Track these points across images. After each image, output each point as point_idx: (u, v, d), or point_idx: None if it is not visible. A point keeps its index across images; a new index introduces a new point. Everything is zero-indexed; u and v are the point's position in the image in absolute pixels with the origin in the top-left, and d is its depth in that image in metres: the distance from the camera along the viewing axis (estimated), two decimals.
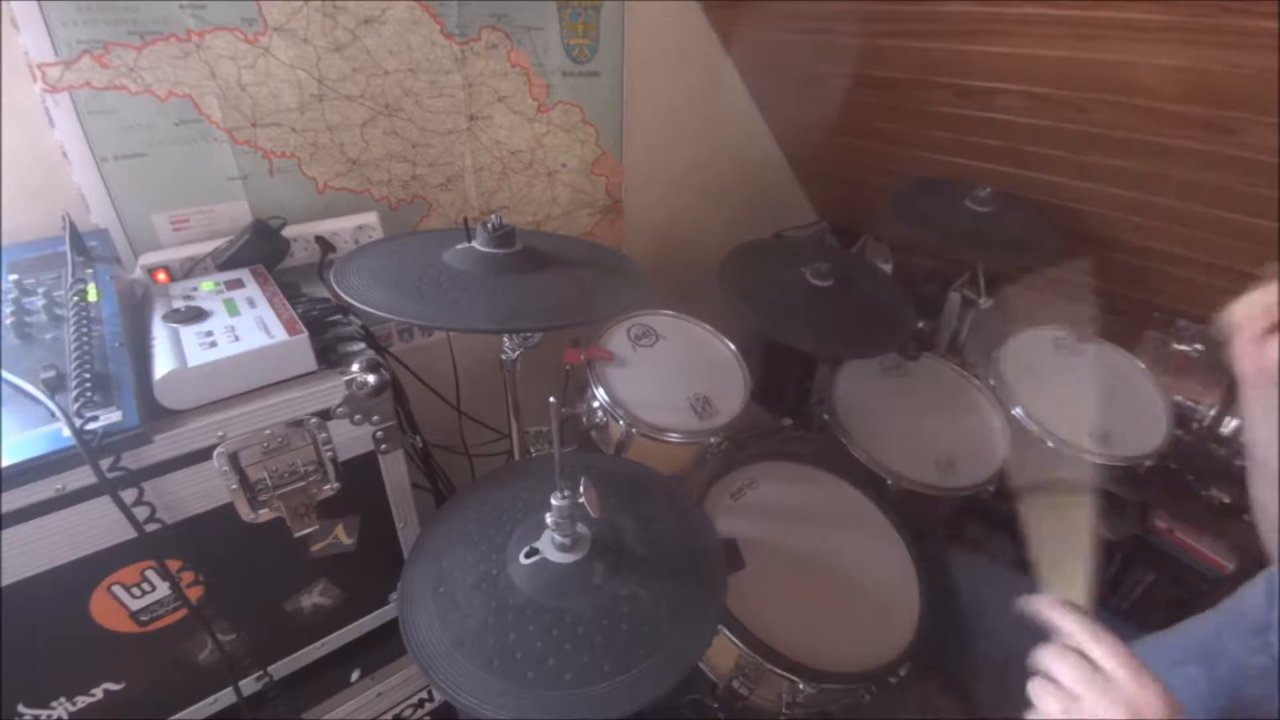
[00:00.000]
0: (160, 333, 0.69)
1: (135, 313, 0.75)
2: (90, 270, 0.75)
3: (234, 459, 0.69)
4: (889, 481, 1.09)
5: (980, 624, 0.97)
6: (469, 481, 1.22)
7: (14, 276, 0.73)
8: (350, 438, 0.78)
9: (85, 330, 0.65)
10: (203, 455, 0.67)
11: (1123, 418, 1.16)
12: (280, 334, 0.71)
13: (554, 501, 0.66)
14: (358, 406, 0.76)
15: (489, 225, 0.81)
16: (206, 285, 0.80)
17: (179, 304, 0.74)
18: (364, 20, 0.99)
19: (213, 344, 0.68)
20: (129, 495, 0.62)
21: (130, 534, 0.63)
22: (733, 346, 1.19)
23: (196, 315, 0.72)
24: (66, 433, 0.55)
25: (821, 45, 1.33)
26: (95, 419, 0.57)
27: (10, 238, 0.84)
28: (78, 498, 0.60)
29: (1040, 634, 0.92)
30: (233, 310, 0.75)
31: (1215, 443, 1.22)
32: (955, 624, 0.98)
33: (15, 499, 0.57)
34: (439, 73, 1.09)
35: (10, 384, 0.59)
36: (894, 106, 1.34)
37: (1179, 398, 1.22)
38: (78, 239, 0.78)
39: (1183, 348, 1.28)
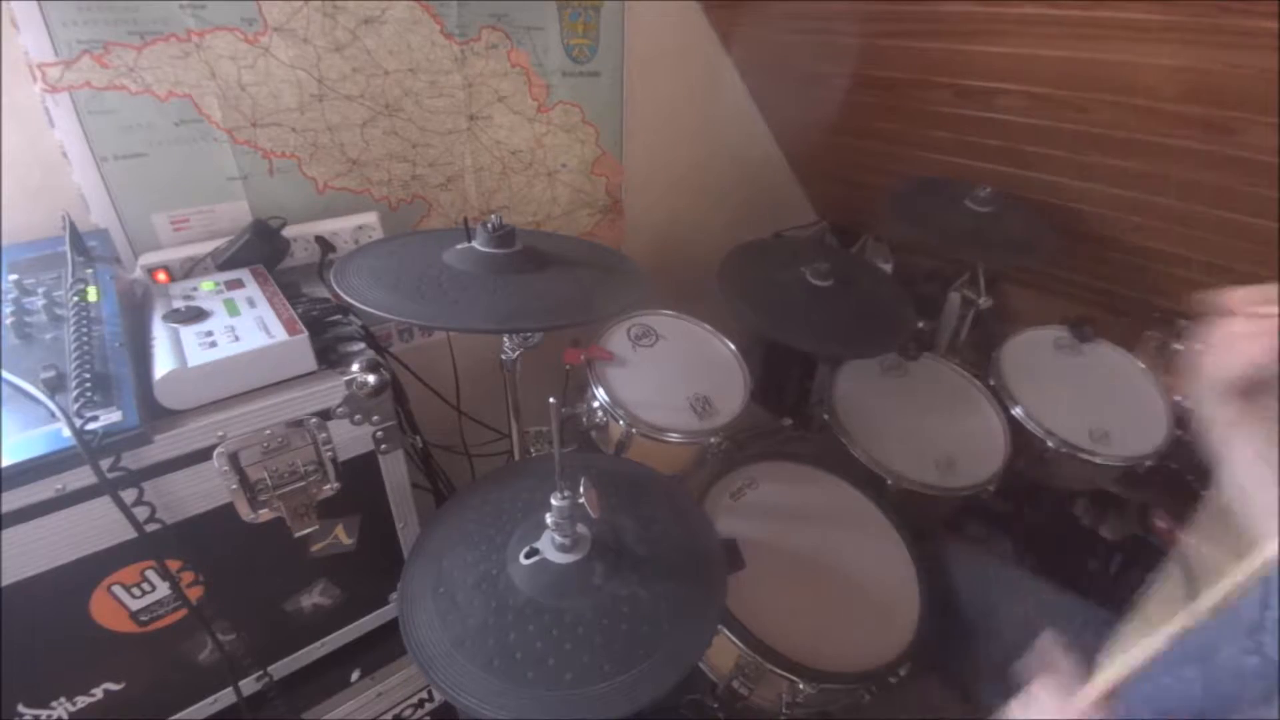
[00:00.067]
0: (160, 333, 0.69)
1: (135, 313, 0.75)
2: (90, 270, 0.75)
3: (234, 459, 0.69)
4: (889, 481, 1.09)
5: (981, 623, 0.97)
6: (469, 481, 1.22)
7: (14, 276, 0.73)
8: (350, 438, 0.78)
9: (85, 330, 0.65)
10: (203, 455, 0.67)
11: (1123, 418, 1.16)
12: (280, 334, 0.71)
13: (554, 502, 0.66)
14: (358, 406, 0.76)
15: (489, 225, 0.81)
16: (206, 285, 0.80)
17: (179, 304, 0.74)
18: (364, 20, 0.99)
19: (213, 344, 0.68)
20: (129, 495, 0.62)
21: (130, 534, 0.63)
22: (733, 346, 1.19)
23: (196, 315, 0.72)
24: (66, 433, 0.55)
25: (821, 45, 1.33)
26: (95, 419, 0.57)
27: (10, 238, 0.84)
28: (78, 498, 0.60)
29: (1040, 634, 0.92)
30: (233, 310, 0.75)
31: None
32: (956, 624, 0.98)
33: (15, 499, 0.57)
34: (439, 73, 1.09)
35: (10, 384, 0.59)
36: (894, 106, 1.34)
37: (1179, 398, 1.22)
38: (78, 239, 0.78)
39: (1183, 348, 1.28)
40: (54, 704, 0.69)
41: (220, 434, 0.67)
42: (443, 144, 1.16)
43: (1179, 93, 0.92)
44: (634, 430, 1.00)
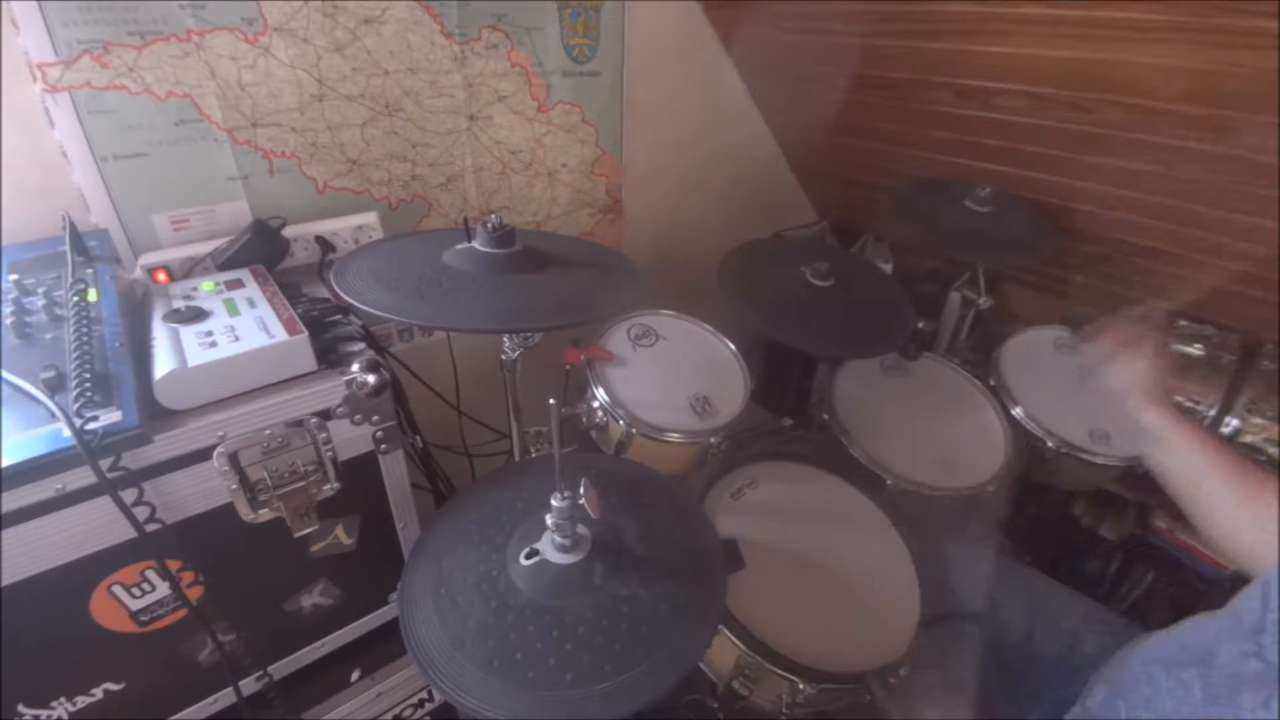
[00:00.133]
0: (160, 333, 0.69)
1: (135, 313, 0.75)
2: (90, 270, 0.75)
3: (234, 459, 0.69)
4: (889, 481, 1.09)
5: (985, 621, 0.97)
6: (469, 481, 1.22)
7: (14, 276, 0.73)
8: (350, 438, 0.78)
9: (85, 330, 0.65)
10: (203, 455, 0.67)
11: (1123, 418, 1.16)
12: (280, 334, 0.71)
13: (554, 502, 0.66)
14: (358, 406, 0.76)
15: (489, 225, 0.81)
16: (206, 285, 0.80)
17: (179, 304, 0.74)
18: (364, 20, 0.99)
19: (213, 344, 0.68)
20: (129, 495, 0.62)
21: (130, 534, 0.63)
22: (733, 346, 1.19)
23: (196, 315, 0.72)
24: (66, 433, 0.55)
25: (821, 45, 1.33)
26: (95, 419, 0.57)
27: (10, 238, 0.84)
28: (78, 498, 0.61)
29: (1043, 635, 0.92)
30: (233, 310, 0.75)
31: None
32: (956, 624, 0.98)
33: (15, 499, 0.57)
34: (439, 73, 1.09)
35: (10, 384, 0.59)
36: (894, 106, 1.34)
37: (1179, 398, 1.22)
38: (78, 239, 0.78)
39: (1183, 348, 1.28)
40: (54, 704, 0.69)
41: (220, 434, 0.67)
42: (443, 144, 1.16)
43: (1179, 93, 0.92)
44: (634, 430, 1.00)
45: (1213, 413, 1.21)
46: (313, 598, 0.84)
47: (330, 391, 0.74)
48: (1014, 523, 1.46)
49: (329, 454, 0.76)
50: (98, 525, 0.63)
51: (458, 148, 1.18)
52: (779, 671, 0.83)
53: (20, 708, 0.67)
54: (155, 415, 0.64)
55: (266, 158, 0.99)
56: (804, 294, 1.18)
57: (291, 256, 0.97)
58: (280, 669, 0.85)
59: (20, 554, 0.60)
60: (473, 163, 1.21)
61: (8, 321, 0.66)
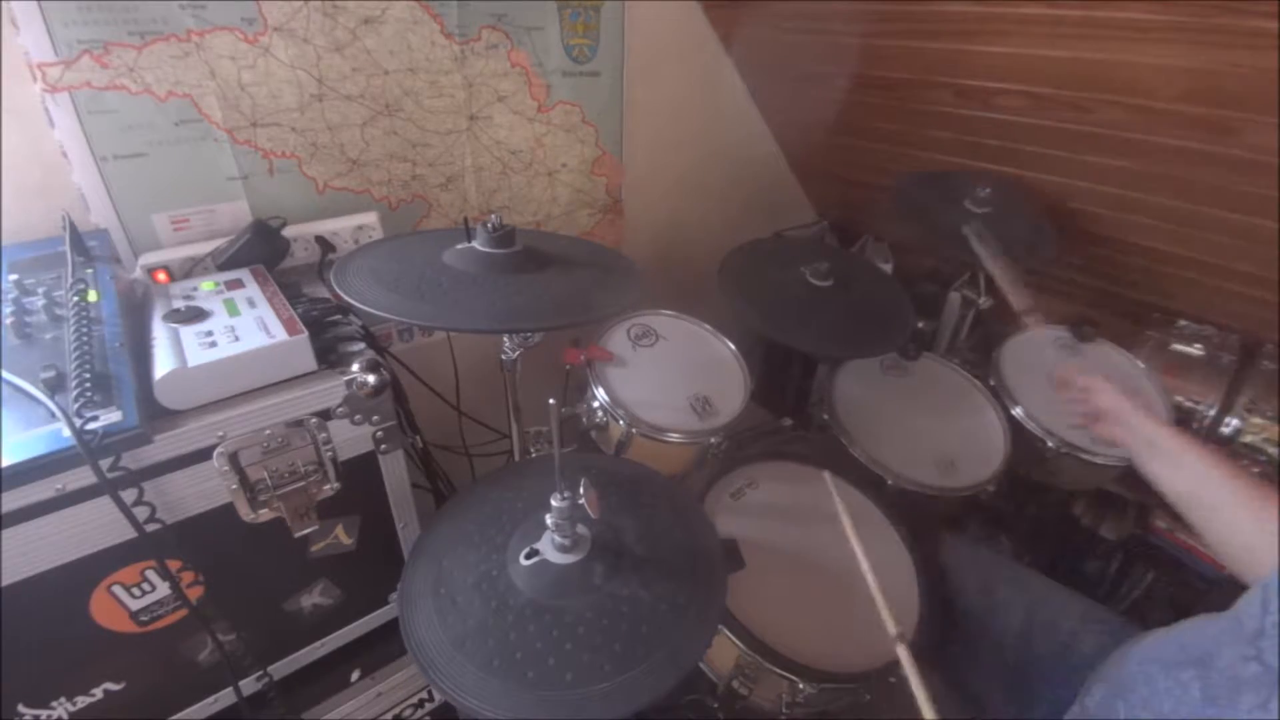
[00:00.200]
0: (160, 333, 0.69)
1: (135, 313, 0.75)
2: (90, 270, 0.75)
3: (234, 459, 0.69)
4: (889, 481, 1.09)
5: (982, 623, 0.97)
6: (469, 481, 1.22)
7: (14, 276, 0.73)
8: (350, 438, 0.78)
9: (85, 330, 0.64)
10: (203, 455, 0.67)
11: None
12: (280, 334, 0.71)
13: (554, 502, 0.66)
14: (358, 406, 0.76)
15: (489, 225, 0.81)
16: (206, 285, 0.80)
17: (179, 304, 0.74)
18: (364, 20, 0.99)
19: (213, 344, 0.68)
20: (129, 495, 0.62)
21: (130, 534, 0.63)
22: (733, 346, 1.19)
23: (196, 315, 0.72)
24: (66, 433, 0.55)
25: (821, 45, 1.33)
26: (95, 419, 0.57)
27: (10, 238, 0.84)
28: (78, 498, 0.61)
29: (1041, 635, 0.92)
30: (233, 310, 0.75)
31: (1215, 443, 1.22)
32: (956, 624, 0.98)
33: (15, 499, 0.57)
34: (439, 73, 1.09)
35: (10, 384, 0.59)
36: (894, 106, 1.34)
37: (1179, 398, 1.22)
38: (78, 239, 0.78)
39: (1183, 348, 1.28)
40: (54, 704, 0.69)
41: (220, 434, 0.67)
42: (443, 144, 1.16)
43: (1179, 93, 0.92)
44: (634, 430, 1.00)
45: (1213, 413, 1.21)
46: (313, 598, 0.84)
47: (330, 391, 0.74)
48: (1014, 523, 1.47)
49: (329, 454, 0.76)
50: (98, 525, 0.63)
51: (458, 148, 1.18)
52: (779, 671, 0.83)
53: (20, 708, 0.67)
54: (155, 415, 0.64)
55: (266, 158, 0.99)
56: (804, 294, 1.18)
57: (291, 256, 0.97)
58: (280, 669, 0.85)
59: (20, 554, 0.60)
60: (473, 163, 1.21)
61: (8, 321, 0.66)
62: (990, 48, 1.06)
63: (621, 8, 1.25)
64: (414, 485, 0.89)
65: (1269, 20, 0.76)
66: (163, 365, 0.64)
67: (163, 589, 0.70)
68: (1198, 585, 1.29)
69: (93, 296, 0.70)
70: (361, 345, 0.80)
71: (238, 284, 0.81)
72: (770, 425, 1.37)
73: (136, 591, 0.69)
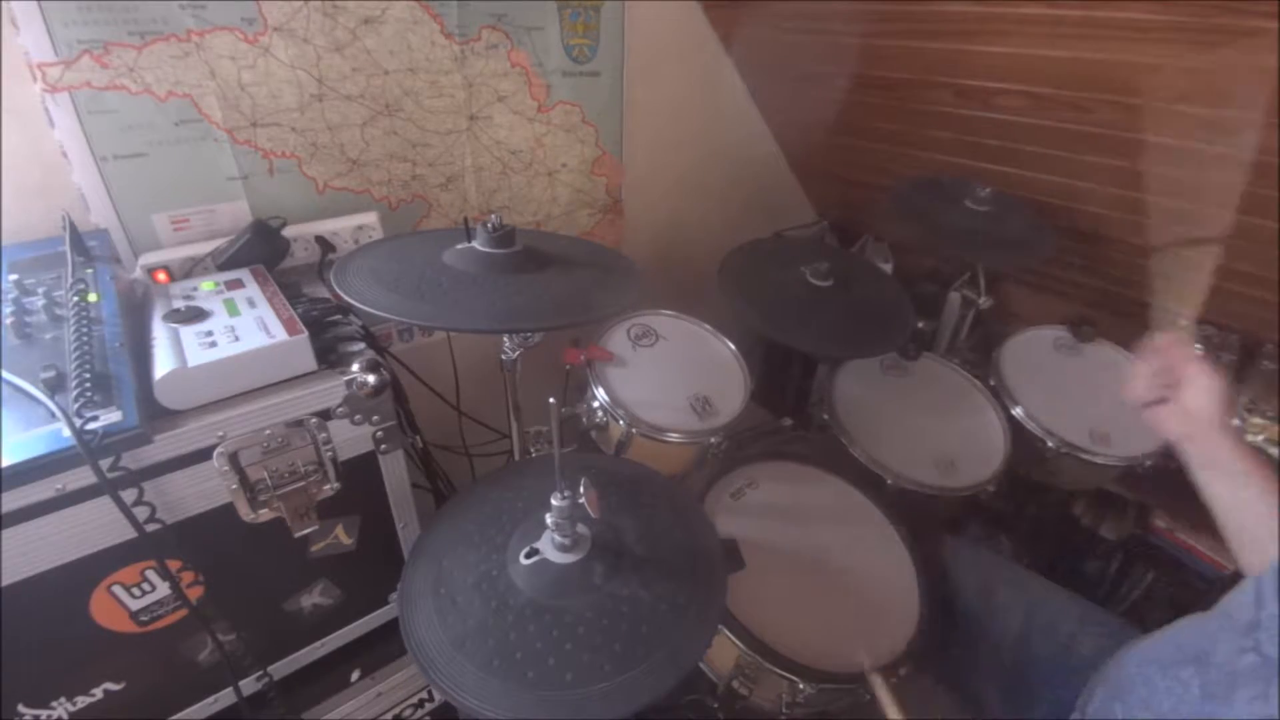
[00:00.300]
0: (160, 333, 0.69)
1: (135, 313, 0.75)
2: (90, 270, 0.75)
3: (234, 459, 0.69)
4: (888, 481, 1.09)
5: (982, 623, 0.97)
6: (469, 481, 1.22)
7: (14, 276, 0.73)
8: (350, 438, 0.78)
9: (85, 330, 0.65)
10: (203, 455, 0.67)
11: (1123, 418, 1.16)
12: (280, 334, 0.71)
13: (554, 502, 0.66)
14: (358, 406, 0.76)
15: (489, 225, 0.81)
16: (206, 285, 0.80)
17: (179, 304, 0.74)
18: (364, 20, 0.99)
19: (213, 344, 0.68)
20: (129, 495, 0.62)
21: (130, 534, 0.63)
22: (733, 346, 1.19)
23: (196, 315, 0.72)
24: (66, 433, 0.55)
25: (821, 45, 1.33)
26: (95, 419, 0.57)
27: (10, 238, 0.84)
28: (78, 498, 0.61)
29: (1040, 637, 0.92)
30: (233, 310, 0.75)
31: None
32: (956, 624, 0.98)
33: (15, 499, 0.57)
34: (439, 73, 1.09)
35: (10, 384, 0.59)
36: (894, 106, 1.34)
37: None
38: (78, 239, 0.78)
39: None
40: (54, 704, 0.69)
41: (220, 434, 0.67)
42: (443, 144, 1.16)
43: (1179, 93, 0.92)
44: (634, 430, 1.00)
45: None
46: (313, 598, 0.84)
47: (330, 391, 0.74)
48: (1014, 523, 1.47)
49: (329, 454, 0.76)
50: (98, 525, 0.63)
51: (458, 148, 1.18)
52: (779, 671, 0.83)
53: (20, 708, 0.67)
54: (155, 415, 0.64)
55: (266, 158, 0.99)
56: (804, 294, 1.18)
57: (291, 256, 0.97)
58: (280, 669, 0.85)
59: (20, 554, 0.60)
60: (473, 163, 1.21)
61: (8, 321, 0.66)
62: (990, 48, 1.06)
63: (621, 8, 1.25)
64: (414, 485, 0.89)
65: (1269, 20, 0.76)
66: (163, 365, 0.64)
67: (163, 589, 0.70)
68: (1198, 585, 1.29)
69: (93, 297, 0.70)
70: (361, 345, 0.80)
71: (238, 284, 0.81)
72: (770, 425, 1.37)
73: (136, 591, 0.69)
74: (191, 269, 0.89)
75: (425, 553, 0.73)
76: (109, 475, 0.59)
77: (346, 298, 0.72)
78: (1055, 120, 1.10)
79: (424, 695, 1.02)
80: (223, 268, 0.88)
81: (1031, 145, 1.20)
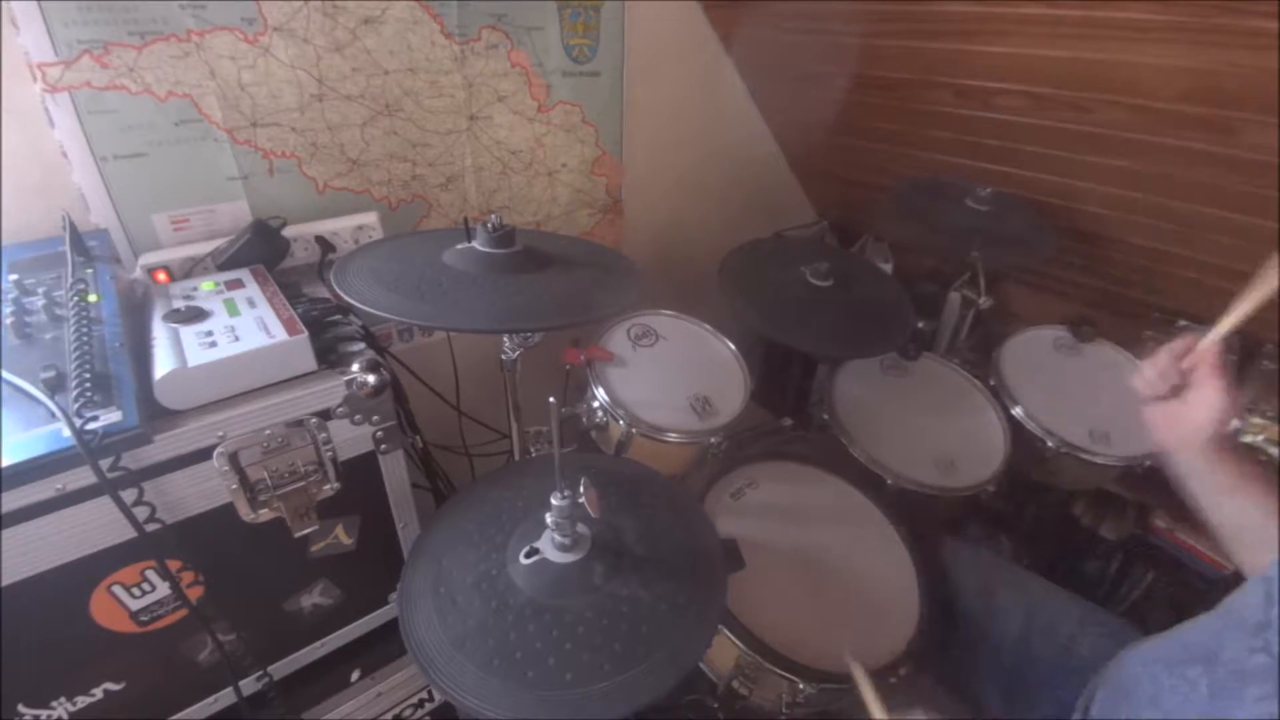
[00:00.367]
0: (160, 333, 0.69)
1: (135, 313, 0.75)
2: (90, 270, 0.75)
3: (234, 459, 0.69)
4: (888, 481, 1.09)
5: (981, 623, 0.97)
6: (469, 481, 1.22)
7: (14, 276, 0.73)
8: (350, 438, 0.78)
9: (85, 330, 0.65)
10: (203, 455, 0.67)
11: (1122, 418, 1.16)
12: (280, 334, 0.71)
13: (554, 501, 0.66)
14: (358, 406, 0.76)
15: (489, 225, 0.81)
16: (206, 285, 0.80)
17: (179, 304, 0.74)
18: (364, 20, 0.99)
19: (213, 344, 0.68)
20: (129, 495, 0.62)
21: (130, 534, 0.63)
22: (733, 346, 1.19)
23: (196, 315, 0.72)
24: (66, 433, 0.55)
25: (821, 45, 1.33)
26: (95, 419, 0.57)
27: (10, 238, 0.84)
28: (78, 498, 0.61)
29: (1040, 638, 0.92)
30: (233, 310, 0.75)
31: None
32: (956, 624, 0.98)
33: (15, 499, 0.57)
34: (439, 73, 1.09)
35: (10, 384, 0.59)
36: (894, 106, 1.34)
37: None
38: (78, 239, 0.78)
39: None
40: (54, 704, 0.69)
41: (220, 434, 0.67)
42: (443, 144, 1.16)
43: (1179, 93, 0.92)
44: (634, 430, 1.00)
45: None
46: (313, 598, 0.84)
47: (330, 391, 0.74)
48: (1014, 523, 1.47)
49: (329, 454, 0.76)
50: (98, 525, 0.63)
51: (458, 148, 1.18)
52: (779, 671, 0.83)
53: (20, 708, 0.67)
54: (155, 415, 0.64)
55: (266, 158, 0.99)
56: (804, 294, 1.18)
57: (291, 256, 0.97)
58: (280, 669, 0.85)
59: (20, 554, 0.60)
60: (473, 163, 1.21)
61: (8, 321, 0.66)
62: (990, 48, 1.06)
63: (621, 8, 1.25)
64: (414, 485, 0.89)
65: (1269, 20, 0.76)
66: (163, 365, 0.64)
67: (163, 589, 0.70)
68: (1198, 585, 1.29)
69: (93, 297, 0.70)
70: (361, 345, 0.80)
71: (238, 284, 0.81)
72: (770, 425, 1.37)
73: (136, 591, 0.69)
74: (191, 269, 0.89)
75: (425, 552, 0.73)
76: (109, 475, 0.59)
77: (346, 298, 0.72)
78: (1055, 120, 1.10)
79: (424, 695, 1.02)
80: (223, 268, 0.88)
81: (1031, 145, 1.20)
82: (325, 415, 0.74)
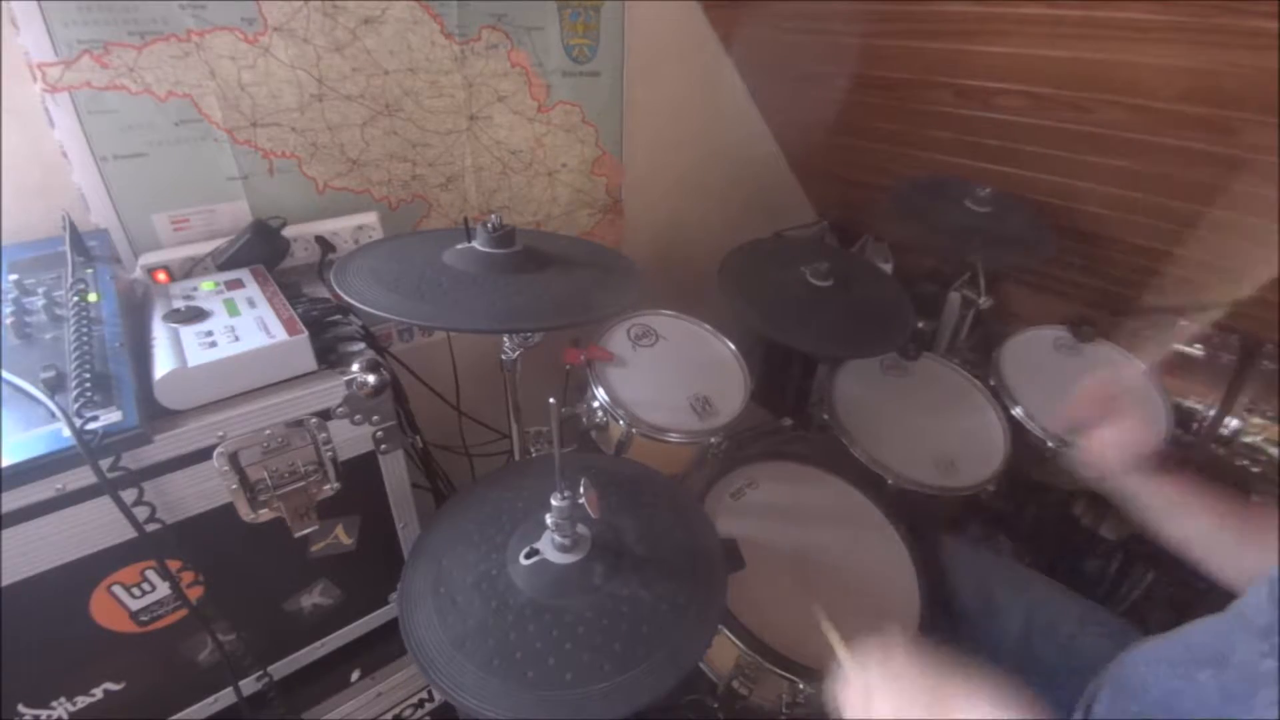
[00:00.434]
0: (160, 333, 0.69)
1: (135, 313, 0.75)
2: (90, 270, 0.75)
3: (234, 459, 0.69)
4: (889, 481, 1.09)
5: (982, 623, 0.97)
6: (469, 481, 1.22)
7: (14, 276, 0.73)
8: (350, 438, 0.78)
9: (85, 330, 0.65)
10: (203, 455, 0.67)
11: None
12: (280, 334, 0.71)
13: (554, 502, 0.66)
14: (358, 406, 0.76)
15: (489, 225, 0.81)
16: (206, 285, 0.80)
17: (179, 304, 0.74)
18: (364, 20, 0.99)
19: (213, 344, 0.68)
20: (129, 495, 0.62)
21: (130, 534, 0.63)
22: (733, 346, 1.19)
23: (196, 315, 0.72)
24: (66, 433, 0.55)
25: (821, 45, 1.33)
26: (95, 419, 0.57)
27: (10, 238, 0.84)
28: (78, 498, 0.61)
29: (1040, 638, 0.92)
30: (233, 310, 0.75)
31: (1215, 443, 1.22)
32: (956, 624, 0.98)
33: (15, 499, 0.57)
34: (439, 73, 1.09)
35: (10, 384, 0.59)
36: (894, 106, 1.34)
37: (1179, 398, 1.22)
38: (78, 239, 0.78)
39: (1183, 348, 1.28)
40: (54, 704, 0.69)
41: (220, 434, 0.67)
42: (443, 144, 1.16)
43: (1179, 93, 0.92)
44: (634, 430, 1.00)
45: (1213, 413, 1.21)
46: (313, 598, 0.84)
47: (330, 391, 0.74)
48: (1014, 523, 1.46)
49: (329, 454, 0.76)
50: (98, 525, 0.63)
51: (458, 148, 1.18)
52: (779, 671, 0.83)
53: (20, 708, 0.67)
54: (155, 415, 0.64)
55: (266, 158, 0.99)
56: (804, 294, 1.18)
57: (291, 256, 0.97)
58: (280, 669, 0.85)
59: (20, 554, 0.60)
60: (473, 163, 1.21)
61: (8, 321, 0.66)
62: (990, 48, 1.06)
63: (621, 8, 1.25)
64: (414, 485, 0.89)
65: (1269, 20, 0.75)
66: (163, 365, 0.64)
67: (163, 589, 0.70)
68: (1198, 585, 1.28)
69: (93, 297, 0.70)
70: (361, 345, 0.80)
71: (238, 284, 0.81)
72: (770, 425, 1.37)
73: (136, 591, 0.69)
74: (191, 269, 0.89)
75: (425, 553, 0.73)
76: (109, 475, 0.59)
77: (346, 298, 0.72)
78: (1055, 120, 1.10)
79: (424, 695, 1.02)
80: (223, 268, 0.88)
81: (1031, 145, 1.20)
82: (325, 415, 0.74)
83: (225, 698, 0.82)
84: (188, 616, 0.72)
